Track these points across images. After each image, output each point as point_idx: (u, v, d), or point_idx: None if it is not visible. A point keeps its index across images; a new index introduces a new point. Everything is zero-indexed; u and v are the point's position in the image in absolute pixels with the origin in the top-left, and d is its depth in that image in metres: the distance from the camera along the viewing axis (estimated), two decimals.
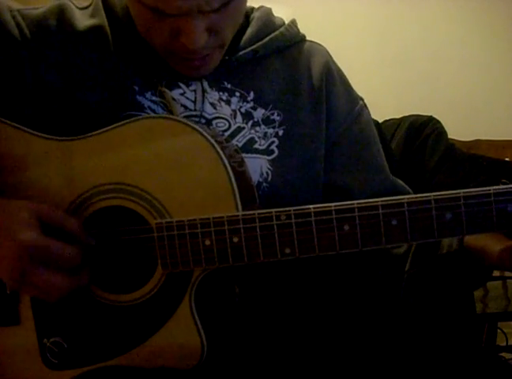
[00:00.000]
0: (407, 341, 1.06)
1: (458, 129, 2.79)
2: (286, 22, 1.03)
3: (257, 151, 0.92)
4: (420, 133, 2.56)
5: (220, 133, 0.90)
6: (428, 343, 1.12)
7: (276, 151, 0.93)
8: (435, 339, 1.17)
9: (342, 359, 0.93)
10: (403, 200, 0.73)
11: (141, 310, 0.82)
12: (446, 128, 2.61)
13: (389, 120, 2.62)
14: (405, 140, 2.54)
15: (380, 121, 2.25)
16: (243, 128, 0.93)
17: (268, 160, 0.92)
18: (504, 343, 2.57)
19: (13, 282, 0.77)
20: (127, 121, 0.82)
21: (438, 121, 2.61)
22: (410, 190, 1.02)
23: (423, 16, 3.31)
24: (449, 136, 2.64)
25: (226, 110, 0.93)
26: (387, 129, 2.45)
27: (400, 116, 2.67)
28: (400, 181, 1.03)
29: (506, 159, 2.69)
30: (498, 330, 2.35)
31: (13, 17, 0.90)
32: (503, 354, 2.50)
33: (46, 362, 0.85)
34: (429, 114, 2.64)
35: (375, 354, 0.97)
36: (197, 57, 0.87)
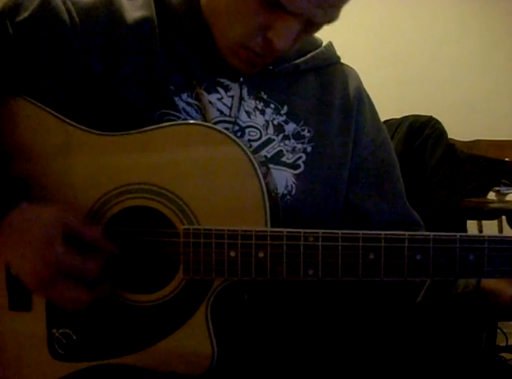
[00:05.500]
0: (407, 341, 1.07)
1: (458, 129, 2.80)
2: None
3: (284, 164, 0.93)
4: (420, 133, 2.57)
5: (248, 144, 0.90)
6: (428, 343, 1.13)
7: (302, 167, 0.94)
8: (435, 339, 1.18)
9: (349, 366, 0.94)
10: (429, 237, 0.74)
11: (156, 312, 0.82)
12: (446, 128, 2.63)
13: (389, 120, 2.63)
14: (405, 140, 2.55)
15: None
16: (273, 140, 0.94)
17: (293, 174, 0.93)
18: (504, 343, 2.59)
19: (36, 291, 0.82)
20: (166, 124, 0.82)
21: (438, 122, 2.62)
22: (421, 221, 1.05)
23: (423, 16, 3.31)
24: (449, 136, 2.65)
25: (259, 120, 0.94)
26: (387, 129, 2.45)
27: (401, 116, 2.68)
28: (414, 211, 1.06)
29: (506, 159, 2.69)
30: (498, 330, 2.37)
31: (64, 3, 0.89)
32: (503, 354, 2.52)
33: (52, 351, 0.84)
34: (429, 114, 2.65)
35: (376, 353, 0.98)
36: (269, 56, 0.88)
